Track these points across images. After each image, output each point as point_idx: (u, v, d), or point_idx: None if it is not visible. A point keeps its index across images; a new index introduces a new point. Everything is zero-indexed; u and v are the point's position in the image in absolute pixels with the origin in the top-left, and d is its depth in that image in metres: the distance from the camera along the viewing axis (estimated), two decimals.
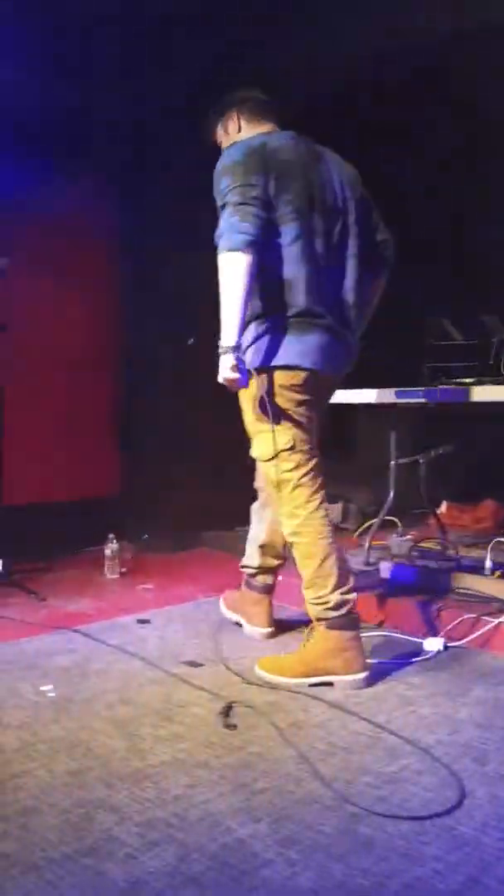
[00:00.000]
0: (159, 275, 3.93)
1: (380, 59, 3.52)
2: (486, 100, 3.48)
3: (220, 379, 2.05)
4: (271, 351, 2.11)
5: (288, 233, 2.08)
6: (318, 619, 2.11)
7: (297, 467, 2.16)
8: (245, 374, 2.06)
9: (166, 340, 3.79)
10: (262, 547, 2.48)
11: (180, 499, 3.78)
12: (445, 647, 2.35)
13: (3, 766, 1.63)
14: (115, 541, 3.42)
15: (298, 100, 3.75)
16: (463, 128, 3.77)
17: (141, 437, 4.12)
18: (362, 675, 2.09)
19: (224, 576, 2.74)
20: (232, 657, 2.31)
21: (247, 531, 2.58)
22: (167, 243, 3.84)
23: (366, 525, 3.56)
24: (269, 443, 2.14)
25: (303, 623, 2.40)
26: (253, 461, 2.36)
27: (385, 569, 2.92)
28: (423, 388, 2.88)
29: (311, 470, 2.18)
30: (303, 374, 2.12)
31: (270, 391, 2.11)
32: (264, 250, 2.05)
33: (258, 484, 2.53)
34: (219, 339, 2.02)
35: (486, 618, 2.38)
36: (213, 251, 2.06)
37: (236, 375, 2.02)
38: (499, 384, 2.79)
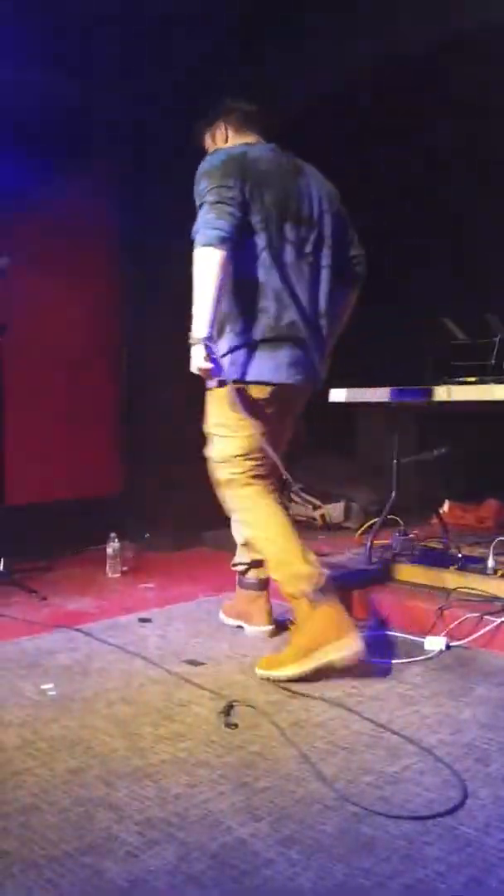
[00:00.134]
0: (160, 274, 3.93)
1: (380, 60, 3.52)
2: (486, 100, 3.47)
3: (194, 369, 2.14)
4: (244, 365, 2.22)
5: (260, 239, 2.19)
6: (296, 598, 2.13)
7: (244, 472, 2.28)
8: (217, 363, 2.14)
9: (167, 340, 3.78)
10: (245, 544, 2.52)
11: (181, 498, 3.77)
12: (448, 647, 2.34)
13: (4, 764, 1.63)
14: (116, 540, 3.43)
15: (298, 100, 3.76)
16: (463, 128, 3.76)
17: (142, 437, 4.11)
18: (355, 638, 2.07)
19: (225, 575, 2.73)
20: (234, 656, 2.30)
21: None
22: (167, 243, 3.83)
23: (368, 524, 3.56)
24: (225, 446, 2.28)
25: None
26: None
27: (387, 568, 2.92)
28: (424, 388, 2.87)
29: (260, 475, 2.30)
30: (271, 389, 2.25)
31: (243, 401, 2.21)
32: (238, 254, 2.14)
33: None
34: (190, 331, 2.11)
35: (489, 617, 2.38)
36: None
37: (209, 365, 2.11)
38: (501, 383, 2.77)
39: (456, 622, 2.41)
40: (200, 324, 2.08)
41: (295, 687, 2.05)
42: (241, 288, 2.19)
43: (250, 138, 2.37)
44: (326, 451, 4.47)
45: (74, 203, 3.87)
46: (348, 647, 2.06)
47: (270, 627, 2.52)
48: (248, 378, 2.22)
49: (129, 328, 4.17)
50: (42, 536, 3.57)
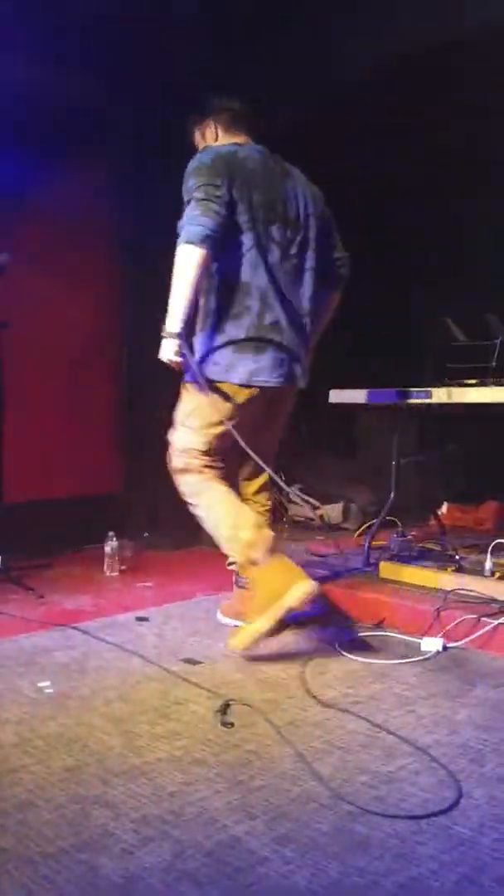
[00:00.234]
0: (160, 274, 3.93)
1: (380, 60, 3.52)
2: (486, 100, 3.47)
3: (163, 358, 2.21)
4: (226, 365, 2.27)
5: (247, 238, 2.22)
6: (248, 567, 2.23)
7: (201, 466, 2.36)
8: (188, 362, 2.21)
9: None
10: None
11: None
12: (444, 648, 2.34)
13: (1, 761, 1.63)
14: (114, 539, 3.43)
15: (299, 100, 3.77)
16: (463, 128, 3.76)
17: (141, 435, 4.11)
18: (305, 579, 2.18)
19: (223, 574, 2.73)
20: (231, 655, 2.31)
21: None
22: (167, 243, 3.83)
23: (366, 525, 3.56)
24: (190, 438, 2.35)
25: (304, 616, 2.41)
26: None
27: (385, 568, 2.92)
28: (424, 389, 2.87)
29: (214, 468, 2.38)
30: (252, 390, 2.28)
31: (223, 401, 2.27)
32: (225, 253, 2.18)
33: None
34: (163, 323, 2.19)
35: (486, 619, 2.38)
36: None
37: (178, 360, 2.19)
38: (502, 385, 2.78)
39: (453, 623, 2.41)
40: (174, 319, 2.17)
41: (292, 687, 2.06)
42: (226, 286, 2.23)
43: (239, 138, 2.39)
44: (325, 452, 4.47)
45: (74, 202, 3.87)
46: (301, 589, 2.16)
47: None
48: (231, 380, 2.26)
49: (129, 328, 4.16)
50: (41, 534, 3.57)
